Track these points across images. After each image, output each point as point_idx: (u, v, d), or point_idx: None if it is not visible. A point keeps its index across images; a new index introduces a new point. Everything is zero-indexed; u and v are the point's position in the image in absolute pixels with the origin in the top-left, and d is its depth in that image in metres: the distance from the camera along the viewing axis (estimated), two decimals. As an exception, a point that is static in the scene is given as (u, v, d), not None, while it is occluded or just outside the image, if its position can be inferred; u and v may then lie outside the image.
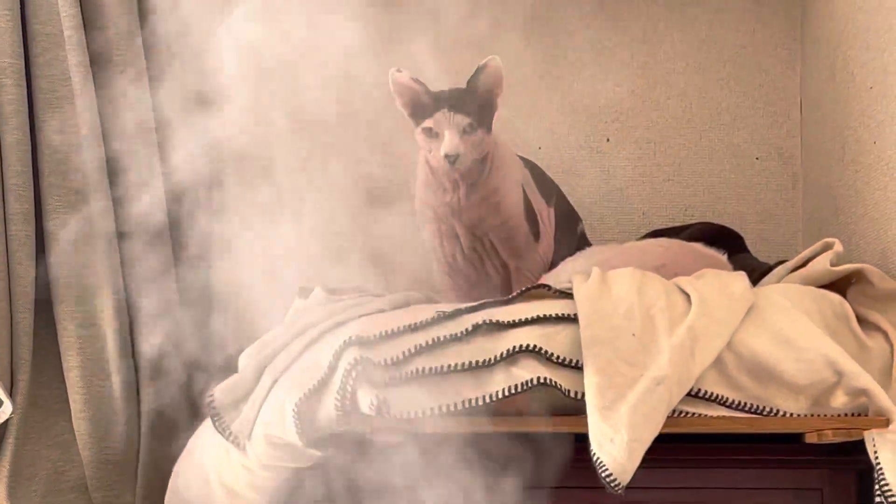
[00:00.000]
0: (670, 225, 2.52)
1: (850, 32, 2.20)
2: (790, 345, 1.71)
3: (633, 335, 1.71)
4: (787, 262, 2.04)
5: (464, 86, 2.04)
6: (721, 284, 1.81)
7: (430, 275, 2.23)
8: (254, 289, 2.07)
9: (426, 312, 1.78)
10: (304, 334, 1.84)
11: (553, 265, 2.15)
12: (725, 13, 2.64)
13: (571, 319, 1.74)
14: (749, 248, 2.42)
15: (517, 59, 2.46)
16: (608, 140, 2.64)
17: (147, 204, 2.18)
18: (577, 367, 1.70)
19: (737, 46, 2.64)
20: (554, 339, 1.72)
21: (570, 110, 2.64)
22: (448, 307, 1.80)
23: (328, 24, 1.94)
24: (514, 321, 1.74)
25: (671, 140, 2.65)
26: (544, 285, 1.85)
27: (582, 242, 2.26)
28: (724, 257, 2.10)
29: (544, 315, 1.75)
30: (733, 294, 1.78)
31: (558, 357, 1.70)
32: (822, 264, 1.91)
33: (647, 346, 1.71)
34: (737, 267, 2.07)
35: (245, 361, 1.88)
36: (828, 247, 1.95)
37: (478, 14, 2.31)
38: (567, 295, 1.80)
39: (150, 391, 2.20)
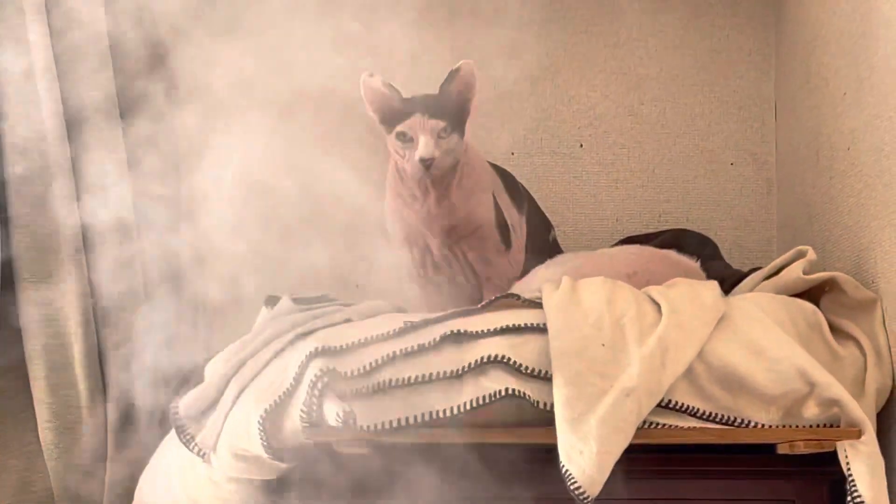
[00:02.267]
0: (644, 231, 2.51)
1: (823, 38, 2.19)
2: (762, 355, 1.70)
3: (603, 345, 1.69)
4: (760, 270, 2.02)
5: (436, 91, 2.03)
6: (692, 293, 1.79)
7: (399, 284, 2.21)
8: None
9: (394, 322, 1.76)
10: (271, 344, 1.82)
11: (524, 273, 2.13)
12: (699, 18, 2.63)
13: (540, 329, 1.72)
14: (723, 254, 2.41)
15: (490, 63, 2.44)
16: (581, 145, 2.63)
17: (112, 210, 2.17)
18: (547, 378, 1.68)
19: (711, 52, 2.63)
20: (523, 350, 1.70)
21: (542, 116, 2.63)
22: (416, 317, 1.78)
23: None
24: (482, 331, 1.72)
25: (645, 145, 2.63)
26: (513, 294, 1.83)
27: (554, 250, 2.24)
28: (696, 265, 2.09)
29: (513, 325, 1.73)
30: (704, 303, 1.76)
31: (527, 368, 1.68)
32: (794, 272, 1.90)
33: (617, 356, 1.69)
34: (710, 274, 2.07)
35: (211, 371, 1.86)
36: (801, 255, 1.94)
37: (450, 19, 2.42)
38: (536, 304, 1.78)
39: (116, 401, 2.18)
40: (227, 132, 2.06)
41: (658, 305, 1.77)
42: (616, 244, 2.37)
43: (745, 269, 2.19)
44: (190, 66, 2.24)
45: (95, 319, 2.17)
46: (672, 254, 2.10)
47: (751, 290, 1.98)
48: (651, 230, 2.51)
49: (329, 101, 2.22)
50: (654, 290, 1.82)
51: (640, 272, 1.98)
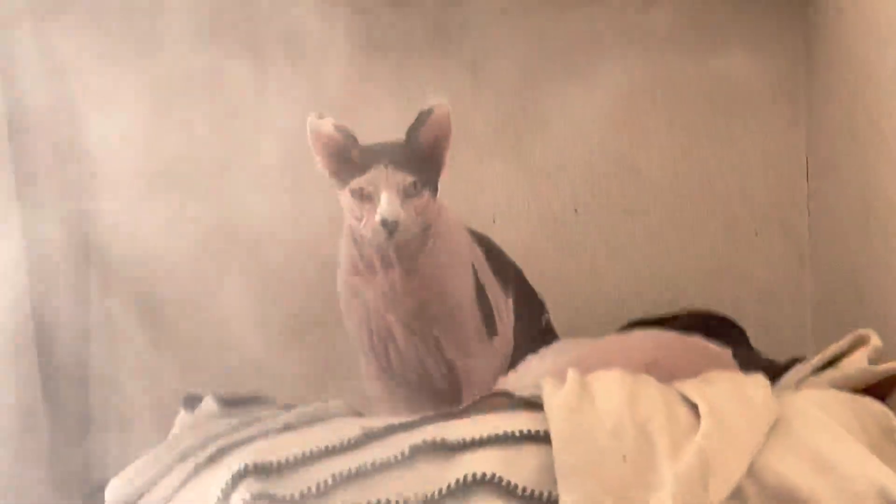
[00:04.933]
0: (653, 313, 2.35)
1: (874, 76, 2.05)
2: (830, 471, 1.52)
3: (625, 459, 1.53)
4: (809, 361, 1.87)
5: (403, 138, 1.91)
6: (737, 391, 1.64)
7: (356, 379, 2.10)
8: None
9: (349, 429, 1.61)
10: (188, 460, 1.66)
11: (512, 365, 2.00)
12: (715, 59, 2.51)
13: (541, 438, 1.56)
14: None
15: (466, 112, 2.35)
16: (576, 211, 2.51)
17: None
18: (550, 503, 1.51)
19: (729, 99, 2.52)
20: (518, 465, 1.53)
21: (530, 175, 2.51)
22: (378, 422, 1.63)
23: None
24: (465, 441, 1.57)
25: (652, 211, 2.50)
26: (504, 393, 1.70)
27: (548, 336, 2.11)
28: (728, 353, 1.95)
29: (505, 432, 1.57)
30: (753, 403, 1.61)
31: (524, 489, 1.51)
32: (858, 363, 1.75)
33: (644, 474, 1.52)
34: (742, 365, 1.93)
35: (111, 496, 1.70)
36: (862, 341, 1.80)
37: (423, 58, 2.44)
38: (535, 405, 1.62)
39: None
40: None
41: (694, 406, 1.62)
42: (622, 329, 2.24)
43: (779, 359, 2.05)
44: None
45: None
46: (698, 340, 1.95)
47: (799, 385, 1.83)
48: (662, 312, 2.35)
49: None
50: (688, 387, 1.66)
51: (661, 363, 1.83)
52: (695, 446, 1.52)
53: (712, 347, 1.94)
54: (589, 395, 1.62)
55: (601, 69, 2.51)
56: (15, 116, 2.27)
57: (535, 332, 2.09)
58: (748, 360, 1.97)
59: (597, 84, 2.50)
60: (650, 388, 1.64)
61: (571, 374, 1.66)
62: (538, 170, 2.52)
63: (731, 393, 1.63)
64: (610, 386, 1.63)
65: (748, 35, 2.52)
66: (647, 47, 2.51)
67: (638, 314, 2.36)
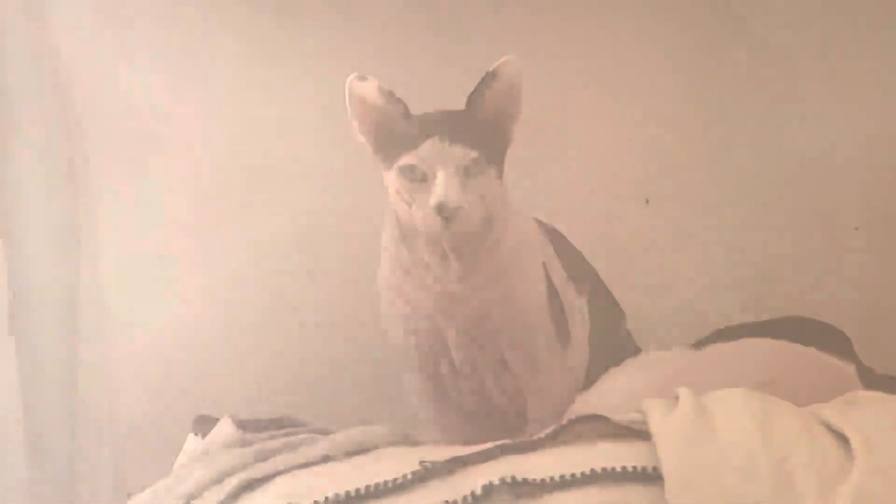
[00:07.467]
0: (743, 320, 2.15)
1: None
2: None
3: None
4: None
5: (461, 107, 1.75)
6: (892, 417, 1.49)
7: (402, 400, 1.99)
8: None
9: (403, 462, 1.51)
10: (203, 497, 1.59)
11: (588, 381, 1.84)
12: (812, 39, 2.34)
13: (650, 477, 1.43)
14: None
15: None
16: (647, 201, 2.39)
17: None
18: None
19: (826, 71, 2.34)
20: None
21: (594, 159, 2.39)
22: (437, 453, 1.53)
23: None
24: (552, 479, 1.44)
25: (734, 201, 2.38)
26: (595, 416, 1.54)
27: (627, 346, 1.95)
28: (851, 369, 1.78)
29: (603, 469, 1.44)
30: None
31: None
32: None
33: None
34: (865, 384, 1.77)
35: None
36: None
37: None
38: (637, 432, 1.49)
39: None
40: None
41: (842, 437, 1.46)
42: (711, 338, 2.00)
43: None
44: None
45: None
46: (818, 353, 1.79)
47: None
48: (753, 319, 2.16)
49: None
50: (830, 412, 1.50)
51: (779, 381, 1.66)
52: (849, 490, 1.38)
53: (834, 362, 1.78)
54: (709, 422, 1.47)
55: (677, 42, 2.38)
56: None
57: (613, 341, 1.93)
58: (868, 376, 1.80)
59: (670, 52, 2.38)
60: (786, 414, 1.48)
61: (685, 393, 1.50)
62: (603, 153, 2.38)
63: (887, 420, 1.49)
64: (735, 410, 1.49)
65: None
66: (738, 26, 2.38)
67: (716, 320, 2.17)
